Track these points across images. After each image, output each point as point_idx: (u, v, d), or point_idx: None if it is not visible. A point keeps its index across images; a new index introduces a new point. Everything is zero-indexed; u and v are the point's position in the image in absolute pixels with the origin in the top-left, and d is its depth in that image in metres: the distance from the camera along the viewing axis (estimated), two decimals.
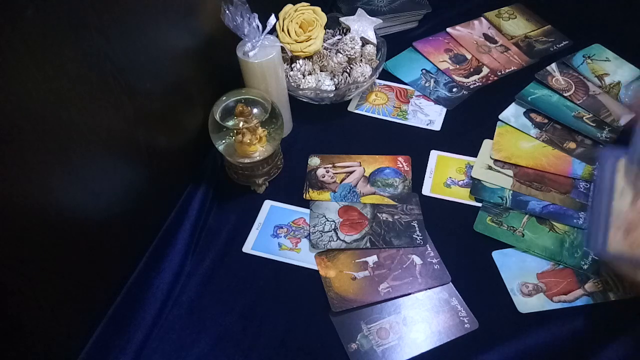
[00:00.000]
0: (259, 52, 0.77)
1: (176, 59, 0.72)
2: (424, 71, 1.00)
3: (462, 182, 0.82)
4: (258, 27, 0.76)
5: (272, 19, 0.79)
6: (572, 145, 0.85)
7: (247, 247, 0.76)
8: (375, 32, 0.94)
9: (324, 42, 0.92)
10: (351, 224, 0.77)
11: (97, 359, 0.63)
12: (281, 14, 0.87)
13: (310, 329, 0.67)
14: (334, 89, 0.89)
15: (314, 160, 0.86)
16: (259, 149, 0.78)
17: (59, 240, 0.55)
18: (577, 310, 0.67)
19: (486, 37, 1.06)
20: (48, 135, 0.51)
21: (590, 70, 0.95)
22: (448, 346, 0.65)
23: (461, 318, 0.67)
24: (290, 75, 0.89)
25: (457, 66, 1.00)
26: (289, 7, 0.88)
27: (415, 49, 1.04)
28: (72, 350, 0.62)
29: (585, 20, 1.05)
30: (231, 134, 0.77)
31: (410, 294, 0.69)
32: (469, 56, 1.02)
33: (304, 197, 0.81)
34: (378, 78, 0.97)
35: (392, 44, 0.98)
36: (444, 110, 0.93)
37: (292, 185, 0.83)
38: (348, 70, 0.90)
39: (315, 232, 0.76)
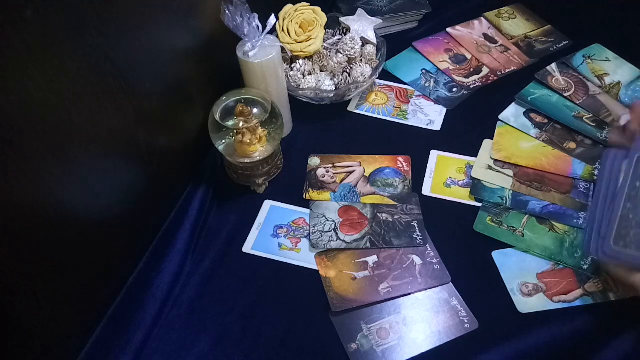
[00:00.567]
0: (259, 52, 0.77)
1: (176, 59, 0.72)
2: (424, 71, 1.00)
3: (462, 182, 0.82)
4: (258, 27, 0.76)
5: (272, 19, 0.79)
6: (572, 145, 0.85)
7: (247, 247, 0.76)
8: (375, 32, 0.94)
9: (324, 42, 0.92)
10: (351, 224, 0.77)
11: (97, 359, 0.63)
12: (281, 14, 0.87)
13: (310, 329, 0.67)
14: (334, 89, 0.89)
15: (314, 160, 0.86)
16: (259, 149, 0.78)
17: (59, 240, 0.55)
18: (577, 310, 0.67)
19: (486, 37, 1.06)
20: (48, 135, 0.51)
21: (590, 70, 0.95)
22: (448, 346, 0.65)
23: (461, 318, 0.67)
24: (290, 75, 0.89)
25: (457, 66, 1.00)
26: (289, 7, 0.88)
27: (415, 49, 1.04)
28: (72, 350, 0.62)
29: (585, 20, 1.05)
30: (231, 134, 0.77)
31: (410, 294, 0.69)
32: (469, 56, 1.02)
33: (304, 197, 0.81)
34: (378, 78, 0.97)
35: (392, 44, 0.98)
36: (444, 110, 0.93)
37: (292, 185, 0.83)
38: (348, 70, 0.90)
39: (315, 232, 0.76)
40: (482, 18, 1.09)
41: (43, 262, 0.53)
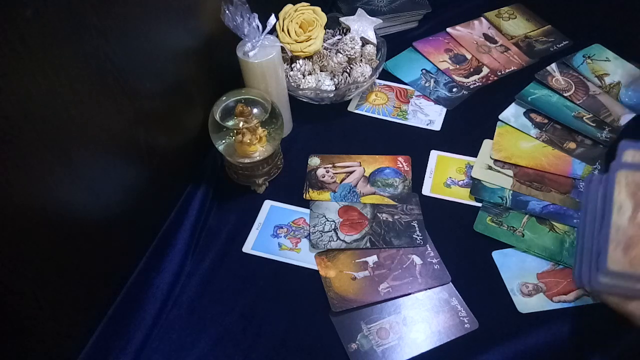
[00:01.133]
0: (259, 52, 0.77)
1: (176, 59, 0.72)
2: (424, 71, 1.00)
3: (462, 182, 0.82)
4: (258, 27, 0.76)
5: (272, 19, 0.79)
6: (572, 145, 0.85)
7: (247, 247, 0.76)
8: (375, 32, 0.94)
9: (324, 42, 0.92)
10: (351, 224, 0.77)
11: (97, 359, 0.63)
12: (281, 14, 0.87)
13: (310, 329, 0.67)
14: (334, 89, 0.89)
15: (314, 160, 0.86)
16: (259, 149, 0.78)
17: (59, 240, 0.55)
18: (577, 310, 0.67)
19: (486, 37, 1.06)
20: (48, 135, 0.51)
21: (590, 70, 0.95)
22: (448, 346, 0.65)
23: (461, 318, 0.67)
24: (290, 75, 0.89)
25: (457, 66, 1.00)
26: (289, 7, 0.88)
27: (415, 49, 1.04)
28: (72, 350, 0.62)
29: (585, 20, 1.05)
30: (231, 134, 0.77)
31: (410, 294, 0.69)
32: (469, 56, 1.02)
33: (304, 197, 0.81)
34: (378, 78, 0.97)
35: (392, 44, 0.98)
36: (444, 110, 0.93)
37: (292, 185, 0.83)
38: (348, 70, 0.90)
39: (315, 232, 0.76)
40: (482, 18, 1.09)
41: (43, 262, 0.53)
